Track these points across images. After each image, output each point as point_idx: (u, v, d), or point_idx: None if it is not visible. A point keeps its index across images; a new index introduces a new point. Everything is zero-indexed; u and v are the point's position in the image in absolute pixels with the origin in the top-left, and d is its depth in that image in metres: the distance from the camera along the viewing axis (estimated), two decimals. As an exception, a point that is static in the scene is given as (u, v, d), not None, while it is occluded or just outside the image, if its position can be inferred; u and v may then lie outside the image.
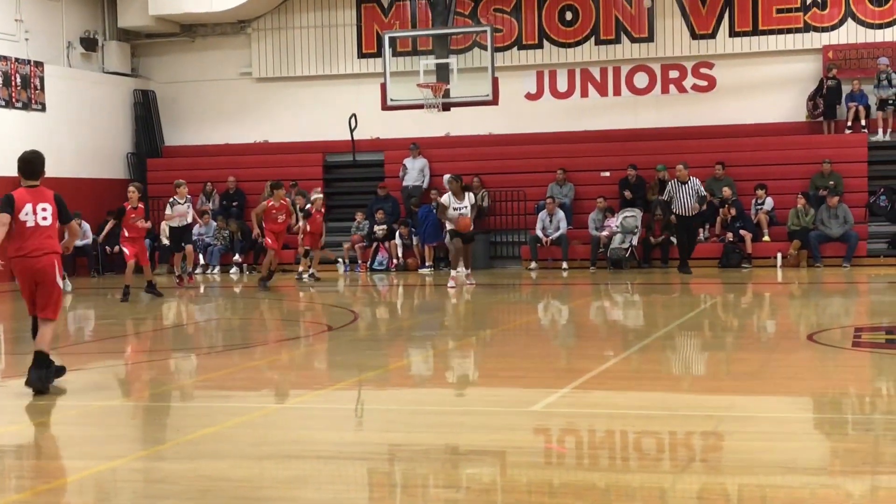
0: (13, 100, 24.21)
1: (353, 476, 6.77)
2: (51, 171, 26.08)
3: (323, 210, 21.95)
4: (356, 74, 27.24)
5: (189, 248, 21.18)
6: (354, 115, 26.24)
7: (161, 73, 28.70)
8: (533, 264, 23.61)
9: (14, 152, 24.43)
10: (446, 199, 19.50)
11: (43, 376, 9.40)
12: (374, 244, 24.49)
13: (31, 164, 10.05)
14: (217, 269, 24.91)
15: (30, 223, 9.55)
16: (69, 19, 26.75)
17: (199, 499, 6.21)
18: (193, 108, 28.51)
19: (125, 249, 18.63)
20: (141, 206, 18.78)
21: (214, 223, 25.57)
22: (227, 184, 26.35)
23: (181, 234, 21.24)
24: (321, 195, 21.72)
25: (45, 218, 9.64)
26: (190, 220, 21.42)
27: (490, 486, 6.40)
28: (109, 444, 7.97)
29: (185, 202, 21.02)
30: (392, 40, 22.35)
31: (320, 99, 27.49)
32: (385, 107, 22.73)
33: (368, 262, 24.35)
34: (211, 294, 21.06)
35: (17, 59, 24.44)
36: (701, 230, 22.21)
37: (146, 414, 9.32)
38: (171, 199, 20.87)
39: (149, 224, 19.56)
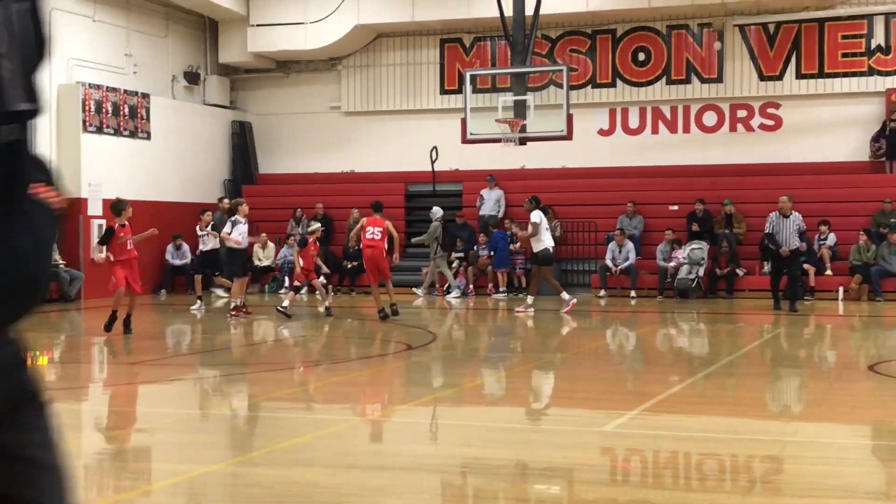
0: (121, 128, 24.57)
1: (431, 487, 6.81)
2: (153, 195, 26.54)
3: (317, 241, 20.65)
4: (438, 109, 27.33)
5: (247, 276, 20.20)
6: (435, 147, 26.32)
7: (257, 106, 29.02)
8: (602, 292, 23.49)
9: (121, 177, 24.93)
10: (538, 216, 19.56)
11: None
12: (455, 269, 24.48)
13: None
14: (305, 290, 25.04)
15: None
16: (174, 55, 27.15)
17: (287, 502, 6.28)
18: (286, 139, 28.77)
19: (114, 277, 15.79)
20: (128, 226, 15.91)
21: (296, 247, 25.68)
22: (315, 210, 26.49)
23: (241, 257, 20.38)
24: (319, 225, 21.36)
25: None
26: (245, 244, 20.11)
27: (558, 502, 6.36)
28: (207, 450, 8.08)
29: (245, 223, 19.73)
30: (472, 78, 22.36)
31: (404, 132, 27.62)
32: (465, 140, 22.73)
33: (445, 287, 24.35)
34: (299, 313, 21.14)
35: (125, 91, 24.83)
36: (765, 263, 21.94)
37: (240, 423, 9.46)
38: (234, 219, 19.65)
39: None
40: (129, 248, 15.50)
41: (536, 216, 19.35)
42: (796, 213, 18.54)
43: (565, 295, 19.05)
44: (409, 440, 8.41)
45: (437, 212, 23.67)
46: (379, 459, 7.67)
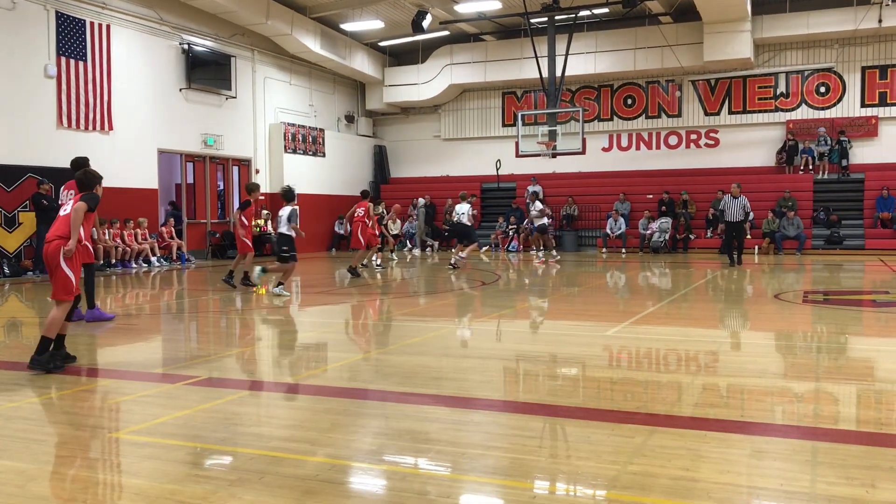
0: (307, 150, 25.02)
1: (497, 368, 6.94)
2: (326, 190, 26.75)
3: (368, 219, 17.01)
4: (500, 136, 27.32)
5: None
6: (499, 160, 26.38)
7: (389, 136, 29.25)
8: (604, 250, 23.42)
9: (308, 182, 25.27)
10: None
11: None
12: (510, 235, 24.62)
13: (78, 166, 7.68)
14: (417, 249, 25.36)
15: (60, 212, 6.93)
16: (339, 104, 27.47)
17: (411, 376, 6.42)
18: (407, 156, 28.98)
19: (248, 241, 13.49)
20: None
21: (416, 222, 26.00)
22: (425, 199, 26.75)
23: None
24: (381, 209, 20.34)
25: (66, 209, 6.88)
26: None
27: (576, 379, 6.51)
28: (361, 344, 8.26)
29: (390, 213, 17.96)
30: (522, 116, 22.35)
31: (479, 150, 27.66)
32: (518, 155, 22.79)
33: (505, 247, 24.48)
34: (414, 264, 21.42)
35: (309, 127, 25.24)
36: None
37: (382, 328, 9.43)
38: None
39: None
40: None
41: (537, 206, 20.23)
42: (744, 197, 17.64)
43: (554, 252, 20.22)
44: (483, 340, 8.57)
45: (419, 201, 23.58)
46: (465, 351, 7.83)
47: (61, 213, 6.87)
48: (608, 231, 23.58)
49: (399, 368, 6.77)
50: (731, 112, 24.83)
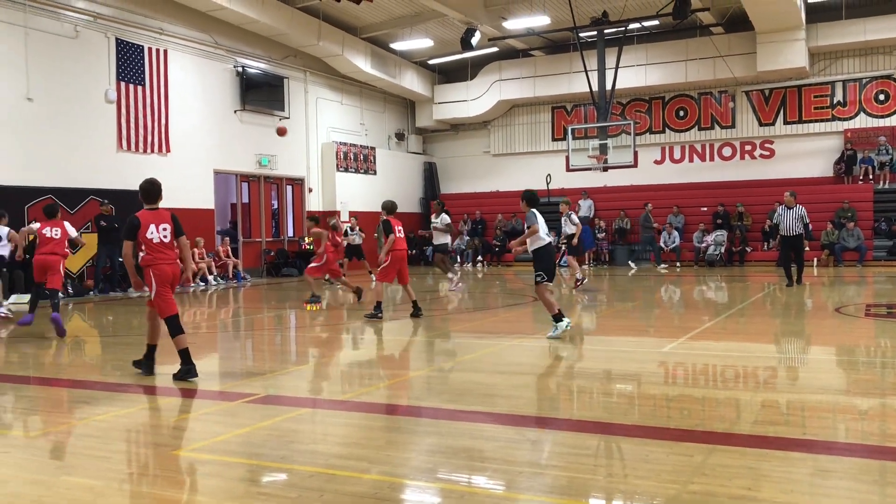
0: (359, 168, 25.30)
1: (551, 385, 6.88)
2: (377, 207, 27.02)
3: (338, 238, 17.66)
4: (550, 151, 27.27)
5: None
6: (549, 174, 26.28)
7: (439, 152, 29.42)
8: (664, 265, 23.11)
9: (360, 199, 25.52)
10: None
11: (192, 370, 7.13)
12: (561, 250, 24.41)
13: (149, 191, 7.38)
14: (469, 264, 25.39)
15: (155, 240, 7.19)
16: (389, 122, 27.76)
17: (465, 394, 6.41)
18: (457, 171, 29.09)
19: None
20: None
21: (467, 238, 26.08)
22: (475, 215, 26.82)
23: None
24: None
25: (166, 235, 7.26)
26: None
27: (632, 396, 6.44)
28: (416, 361, 8.28)
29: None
30: (572, 130, 22.30)
31: (528, 165, 27.60)
32: (568, 169, 22.72)
33: (558, 261, 24.27)
34: (466, 279, 21.42)
35: (360, 145, 25.54)
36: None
37: (434, 346, 9.40)
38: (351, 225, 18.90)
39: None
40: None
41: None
42: (801, 207, 15.36)
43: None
44: (537, 356, 8.52)
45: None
46: (519, 368, 7.80)
47: (165, 239, 7.28)
48: (662, 245, 23.30)
49: (453, 385, 6.79)
50: (786, 122, 24.37)
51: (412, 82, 26.77)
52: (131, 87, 18.36)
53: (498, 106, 27.23)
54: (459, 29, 22.74)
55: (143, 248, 7.19)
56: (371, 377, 7.59)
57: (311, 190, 23.87)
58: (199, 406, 6.25)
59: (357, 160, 25.19)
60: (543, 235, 9.14)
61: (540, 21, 22.69)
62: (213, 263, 19.88)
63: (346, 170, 24.72)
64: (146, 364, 7.41)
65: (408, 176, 27.87)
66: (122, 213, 17.12)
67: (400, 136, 28.06)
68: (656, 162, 26.02)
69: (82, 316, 13.61)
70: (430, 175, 28.83)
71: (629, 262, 23.74)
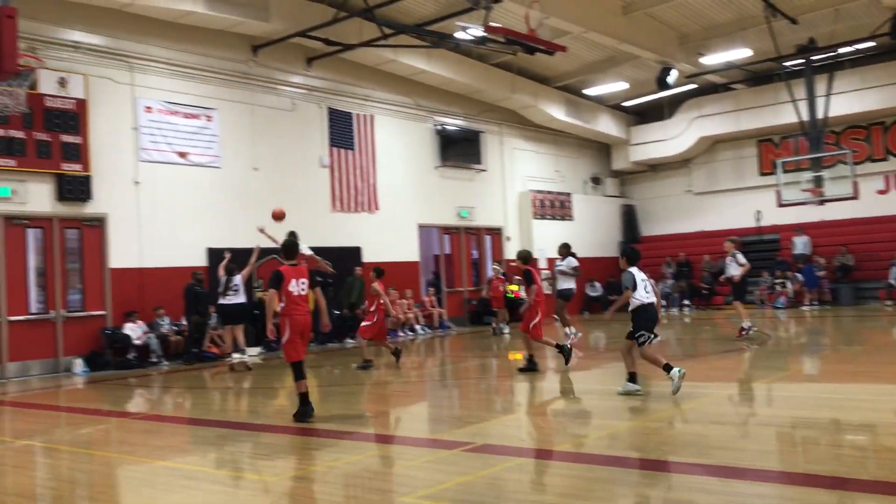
0: (555, 214, 25.49)
1: (772, 436, 6.59)
2: (577, 253, 26.85)
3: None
4: (757, 186, 25.93)
5: None
6: (759, 210, 25.10)
7: (637, 194, 28.95)
8: (888, 302, 21.25)
9: (555, 246, 25.51)
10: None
11: (309, 411, 8.01)
12: (777, 290, 23.14)
13: (290, 249, 8.33)
14: (675, 308, 24.62)
15: (295, 292, 7.99)
16: (584, 167, 27.78)
17: (678, 444, 6.29)
18: (656, 213, 28.44)
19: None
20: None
21: (671, 281, 25.36)
22: (678, 257, 26.07)
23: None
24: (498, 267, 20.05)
25: (303, 288, 8.07)
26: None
27: (866, 448, 6.05)
28: (624, 412, 7.93)
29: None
30: (782, 164, 21.26)
31: (734, 202, 26.41)
32: (780, 204, 21.56)
33: (772, 303, 23.02)
34: (673, 323, 20.77)
35: (556, 192, 25.76)
36: None
37: (646, 394, 8.85)
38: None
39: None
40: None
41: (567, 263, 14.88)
42: None
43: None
44: (756, 405, 8.18)
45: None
46: (737, 418, 7.52)
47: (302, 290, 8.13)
48: (891, 281, 21.39)
49: (667, 436, 6.68)
50: None
51: (607, 126, 26.72)
52: (342, 151, 19.80)
53: (699, 143, 26.49)
54: (654, 69, 22.52)
55: (282, 298, 7.96)
56: (585, 426, 7.61)
57: (508, 239, 24.34)
58: (419, 454, 6.58)
59: (553, 207, 25.40)
60: (639, 297, 8.72)
61: (741, 54, 21.98)
62: (419, 313, 20.72)
63: (543, 217, 24.98)
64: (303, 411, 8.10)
65: (605, 220, 27.64)
66: (336, 268, 18.35)
67: (596, 181, 27.98)
68: (880, 192, 24.04)
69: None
70: (630, 218, 28.42)
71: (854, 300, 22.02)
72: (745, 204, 25.97)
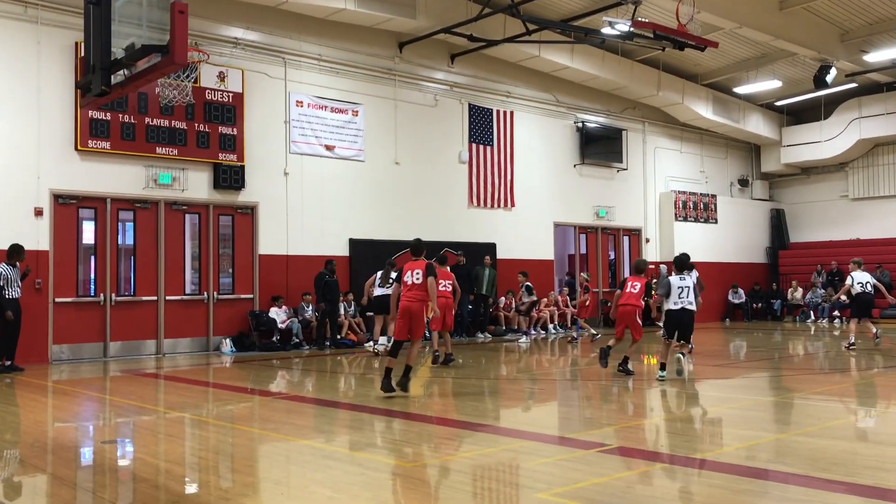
0: (699, 217, 24.70)
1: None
2: (721, 258, 25.95)
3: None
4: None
5: None
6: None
7: (788, 198, 27.62)
8: None
9: (699, 250, 24.73)
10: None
11: (405, 382, 9.40)
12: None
13: (415, 248, 9.93)
14: (824, 319, 23.32)
15: (408, 281, 9.47)
16: (731, 168, 26.79)
17: (821, 460, 5.98)
18: (807, 219, 27.04)
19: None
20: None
21: (822, 291, 24.05)
22: (830, 265, 24.67)
23: None
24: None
25: (418, 278, 9.45)
26: None
27: None
28: (769, 423, 7.74)
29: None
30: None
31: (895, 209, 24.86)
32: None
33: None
34: (822, 335, 19.61)
35: (700, 194, 24.96)
36: None
37: (787, 406, 8.81)
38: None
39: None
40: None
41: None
42: None
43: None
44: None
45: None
46: (888, 437, 7.04)
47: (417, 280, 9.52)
48: None
49: (809, 451, 6.38)
50: None
51: (757, 125, 25.62)
52: (481, 147, 19.95)
53: (858, 146, 24.95)
54: (811, 67, 21.39)
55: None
56: (723, 435, 7.37)
57: (647, 240, 23.79)
58: (555, 451, 6.56)
59: (696, 209, 24.62)
60: (671, 304, 10.40)
61: (909, 50, 20.52)
62: (554, 312, 20.59)
63: (685, 219, 24.26)
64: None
65: (752, 224, 26.53)
66: (472, 263, 18.54)
67: (743, 183, 26.89)
68: None
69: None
70: (778, 223, 27.14)
71: None
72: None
